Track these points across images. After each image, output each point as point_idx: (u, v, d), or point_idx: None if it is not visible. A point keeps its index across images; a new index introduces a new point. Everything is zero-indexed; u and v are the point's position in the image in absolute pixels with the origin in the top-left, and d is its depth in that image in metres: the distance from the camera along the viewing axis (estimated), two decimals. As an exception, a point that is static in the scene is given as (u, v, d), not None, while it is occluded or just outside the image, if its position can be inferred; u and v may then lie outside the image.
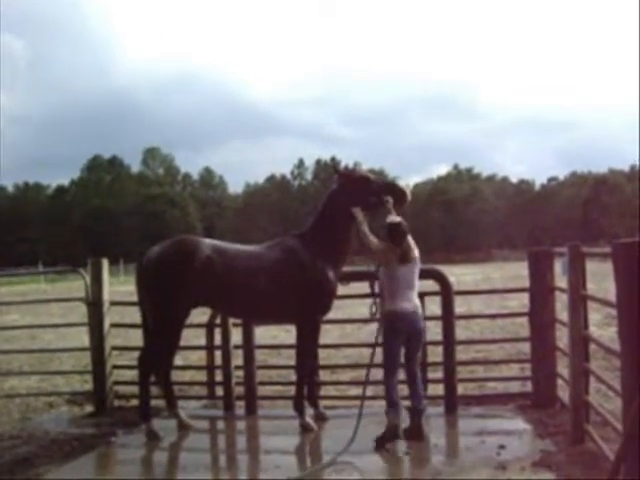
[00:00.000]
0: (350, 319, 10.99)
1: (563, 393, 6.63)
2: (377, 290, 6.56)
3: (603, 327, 11.99)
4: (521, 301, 11.16)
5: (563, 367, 6.65)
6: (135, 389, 7.10)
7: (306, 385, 6.68)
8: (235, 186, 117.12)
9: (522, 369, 8.46)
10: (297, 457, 6.02)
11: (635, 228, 54.70)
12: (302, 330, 6.64)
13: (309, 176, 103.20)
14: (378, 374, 7.38)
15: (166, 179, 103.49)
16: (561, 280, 6.45)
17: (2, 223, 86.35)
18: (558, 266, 6.87)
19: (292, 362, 7.04)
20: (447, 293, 6.96)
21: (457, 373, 7.07)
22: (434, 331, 7.52)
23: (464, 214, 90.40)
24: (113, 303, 7.93)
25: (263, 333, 11.28)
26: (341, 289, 6.92)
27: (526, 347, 7.58)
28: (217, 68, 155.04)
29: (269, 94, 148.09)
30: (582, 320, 5.63)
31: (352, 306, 11.71)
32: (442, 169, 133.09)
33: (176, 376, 7.55)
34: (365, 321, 6.92)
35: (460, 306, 8.23)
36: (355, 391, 7.60)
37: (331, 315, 6.91)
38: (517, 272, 24.56)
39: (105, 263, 7.79)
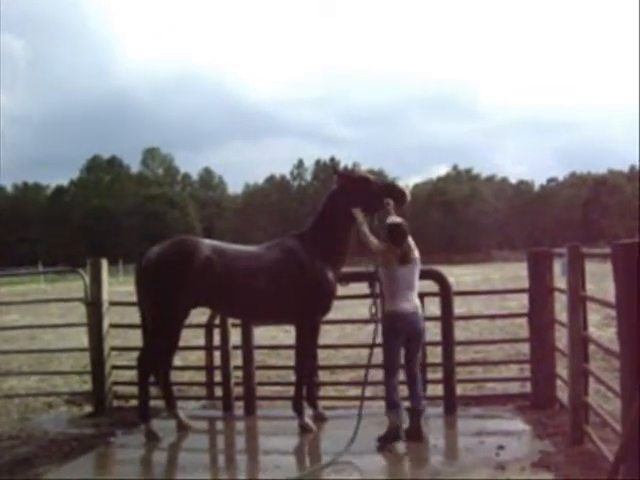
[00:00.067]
0: (349, 320, 11.00)
1: (562, 394, 6.63)
2: (377, 291, 6.57)
3: (602, 328, 11.99)
4: (520, 302, 11.16)
5: (562, 368, 6.64)
6: (134, 389, 7.10)
7: (305, 386, 6.68)
8: (235, 186, 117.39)
9: (521, 370, 8.47)
10: (296, 457, 6.02)
11: (635, 229, 54.73)
12: (301, 330, 6.64)
13: (308, 176, 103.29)
14: (378, 375, 7.40)
15: (166, 179, 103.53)
16: (560, 281, 6.45)
17: (2, 223, 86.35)
18: (557, 267, 6.86)
19: (291, 363, 7.04)
20: (446, 294, 6.96)
21: (456, 374, 7.07)
22: (433, 332, 7.52)
23: (463, 215, 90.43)
24: (112, 303, 7.93)
25: (262, 333, 11.28)
26: (340, 290, 6.92)
27: (525, 348, 7.59)
28: (217, 68, 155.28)
29: (269, 94, 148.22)
30: (581, 321, 5.63)
31: (351, 307, 11.70)
32: (441, 170, 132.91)
33: (175, 376, 7.55)
34: (365, 322, 6.92)
35: (459, 307, 8.24)
36: (354, 392, 7.60)
37: (330, 315, 6.91)
38: (516, 273, 24.54)
39: (104, 263, 7.79)
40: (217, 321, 7.62)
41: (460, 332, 8.20)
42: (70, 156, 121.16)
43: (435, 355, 7.46)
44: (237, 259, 6.45)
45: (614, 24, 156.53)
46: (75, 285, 21.74)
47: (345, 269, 6.89)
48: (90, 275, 7.70)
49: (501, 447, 5.67)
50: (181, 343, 6.64)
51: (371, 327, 6.48)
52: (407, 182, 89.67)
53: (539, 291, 6.94)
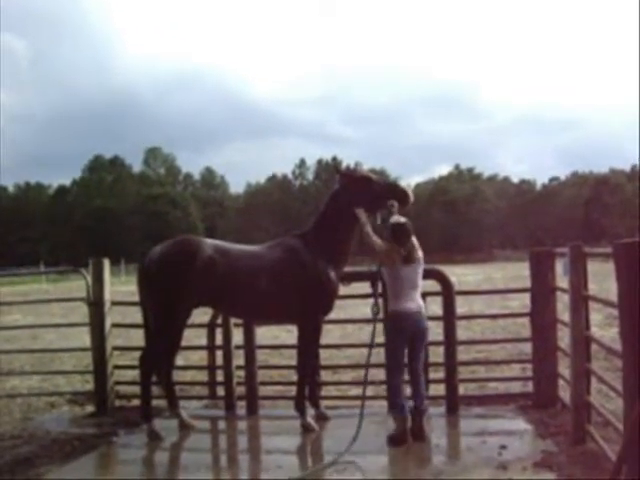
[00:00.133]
0: (352, 319, 11.00)
1: (564, 393, 6.63)
2: (379, 290, 6.56)
3: (604, 327, 11.98)
4: (522, 301, 11.16)
5: (564, 367, 6.65)
6: (136, 389, 7.10)
7: (307, 385, 6.68)
8: (236, 186, 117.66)
9: (523, 369, 8.46)
10: (298, 457, 6.01)
11: (636, 228, 54.66)
12: (303, 330, 6.64)
13: (310, 176, 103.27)
14: (379, 374, 7.39)
15: (167, 179, 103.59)
16: (562, 280, 6.44)
17: (3, 223, 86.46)
18: (559, 266, 6.85)
19: (293, 362, 7.04)
20: (448, 293, 6.96)
21: (458, 373, 7.06)
22: (435, 331, 7.50)
23: (465, 214, 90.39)
24: (114, 303, 7.93)
25: (264, 333, 11.30)
26: (342, 289, 6.92)
27: (527, 347, 7.58)
28: (218, 68, 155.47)
29: (270, 94, 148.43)
30: (583, 320, 5.62)
31: (354, 306, 11.71)
32: (443, 169, 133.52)
33: (177, 376, 7.56)
34: (367, 321, 6.92)
35: (461, 306, 8.22)
36: (356, 391, 7.59)
37: (332, 315, 6.90)
38: (518, 272, 24.55)
39: (106, 263, 7.79)
40: (219, 321, 7.62)
41: (462, 332, 8.19)
42: (72, 156, 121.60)
43: (437, 355, 7.46)
44: (239, 259, 6.44)
45: (614, 24, 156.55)
46: (77, 285, 21.77)
47: (347, 269, 6.89)
48: (92, 275, 7.70)
49: (503, 447, 5.66)
50: (183, 343, 6.64)
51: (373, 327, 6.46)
52: (409, 182, 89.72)
53: (541, 291, 6.94)
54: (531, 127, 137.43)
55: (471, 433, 6.24)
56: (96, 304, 7.65)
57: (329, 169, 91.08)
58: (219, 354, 7.69)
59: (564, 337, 6.67)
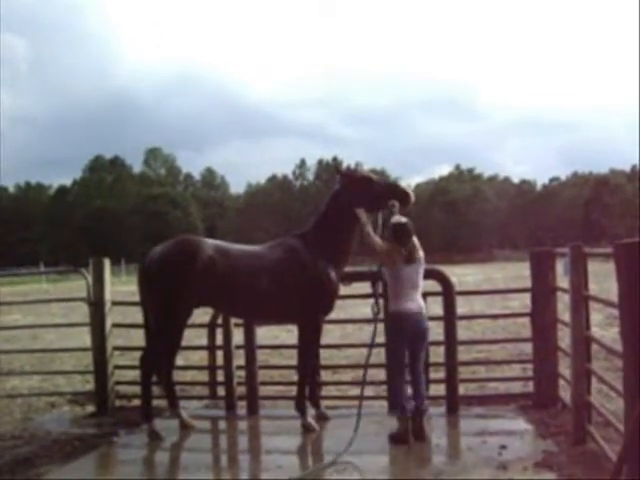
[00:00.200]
0: (352, 319, 11.00)
1: (565, 393, 6.63)
2: (379, 290, 6.56)
3: (605, 327, 11.98)
4: (523, 301, 11.17)
5: (565, 367, 6.65)
6: (137, 389, 7.11)
7: (308, 385, 6.68)
8: (237, 186, 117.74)
9: (524, 369, 8.46)
10: (299, 457, 6.01)
11: (636, 228, 54.60)
12: (304, 330, 6.64)
13: (311, 176, 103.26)
14: (380, 374, 7.40)
15: (168, 179, 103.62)
16: (563, 280, 6.44)
17: (4, 223, 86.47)
18: (560, 266, 6.85)
19: (294, 362, 7.04)
20: (449, 293, 6.95)
21: (459, 373, 7.06)
22: (436, 331, 7.50)
23: (466, 214, 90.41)
24: (115, 303, 7.93)
25: (265, 333, 11.30)
26: (343, 289, 6.92)
27: (528, 347, 7.58)
28: (218, 69, 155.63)
29: (270, 94, 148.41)
30: (584, 320, 5.62)
31: (354, 306, 11.71)
32: (444, 169, 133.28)
33: (178, 376, 7.56)
34: (367, 321, 6.92)
35: (462, 306, 8.21)
36: (356, 391, 7.57)
37: (333, 315, 6.90)
38: (519, 272, 24.55)
39: (107, 263, 7.79)
40: (220, 321, 7.62)
41: (462, 332, 8.18)
42: (72, 156, 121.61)
43: (437, 355, 7.46)
44: (240, 259, 6.44)
45: (614, 24, 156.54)
46: (77, 285, 21.76)
47: (347, 269, 6.89)
48: (92, 275, 7.70)
49: (503, 447, 5.66)
50: (184, 343, 6.64)
51: (373, 327, 6.46)
52: (409, 182, 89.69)
53: (541, 291, 6.94)
54: (531, 128, 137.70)
55: (471, 433, 6.24)
56: (96, 304, 7.65)
57: (329, 169, 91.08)
58: (219, 354, 7.69)
59: (564, 337, 6.67)
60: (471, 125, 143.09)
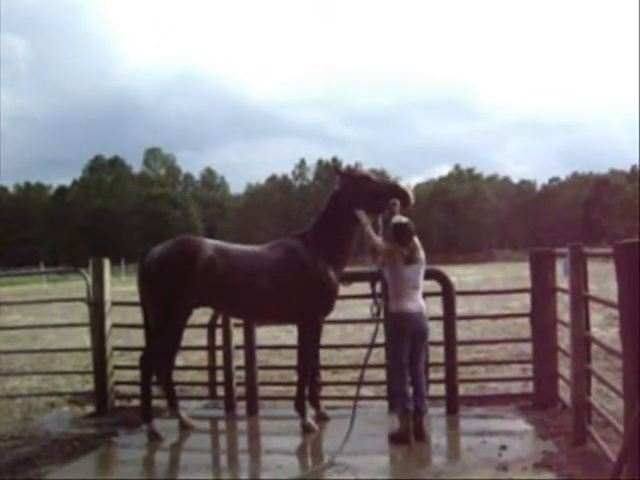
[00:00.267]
0: (351, 319, 10.99)
1: (564, 394, 6.63)
2: (379, 290, 6.56)
3: (605, 328, 11.99)
4: (522, 302, 11.17)
5: (565, 368, 6.65)
6: (136, 389, 7.10)
7: (307, 385, 6.68)
8: (236, 187, 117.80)
9: (523, 370, 8.46)
10: (298, 457, 6.01)
11: (636, 228, 54.61)
12: (304, 330, 6.64)
13: (310, 176, 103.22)
14: (380, 374, 7.40)
15: (167, 179, 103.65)
16: (562, 281, 6.44)
17: (4, 223, 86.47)
18: (559, 267, 6.86)
19: (293, 362, 7.04)
20: (448, 293, 6.95)
21: (458, 374, 7.06)
22: (435, 331, 7.50)
23: (465, 214, 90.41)
24: (114, 303, 7.92)
25: (264, 333, 11.29)
26: (342, 289, 6.92)
27: (527, 348, 7.58)
28: (218, 69, 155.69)
29: (270, 94, 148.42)
30: (584, 321, 5.62)
31: (353, 306, 11.70)
32: (443, 170, 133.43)
33: (177, 376, 7.55)
34: (367, 321, 6.93)
35: (461, 307, 8.22)
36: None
37: (332, 315, 6.90)
38: (518, 273, 24.57)
39: (106, 263, 7.78)
40: (219, 321, 7.62)
41: (462, 332, 8.18)
42: (72, 156, 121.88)
43: (437, 355, 7.45)
44: (239, 259, 6.44)
45: (614, 24, 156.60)
46: (77, 285, 21.77)
47: (347, 269, 6.89)
48: (92, 275, 7.70)
49: (503, 447, 5.66)
50: (183, 343, 6.64)
51: (373, 327, 6.47)
52: (409, 182, 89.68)
53: (541, 291, 6.94)
54: (531, 128, 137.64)
55: (471, 433, 6.24)
56: (96, 304, 7.65)
57: (329, 169, 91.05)
58: (219, 354, 7.68)
59: (564, 337, 6.67)
60: (471, 125, 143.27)
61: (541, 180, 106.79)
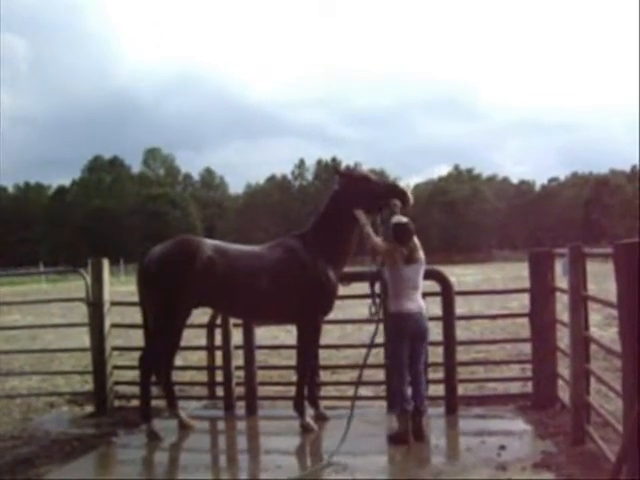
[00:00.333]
0: (351, 319, 11.00)
1: (564, 394, 6.63)
2: (378, 290, 6.56)
3: (604, 328, 11.99)
4: (522, 302, 11.16)
5: (564, 368, 6.65)
6: (136, 389, 7.10)
7: (306, 385, 6.68)
8: (236, 187, 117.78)
9: (523, 370, 8.46)
10: (298, 457, 6.01)
11: (635, 229, 54.66)
12: (303, 330, 6.64)
13: (310, 176, 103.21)
14: (379, 374, 7.40)
15: (167, 179, 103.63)
16: (562, 281, 6.45)
17: (3, 223, 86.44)
18: (559, 267, 6.86)
19: (293, 363, 7.04)
20: (448, 293, 6.95)
21: (457, 374, 7.06)
22: (435, 331, 7.50)
23: (465, 215, 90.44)
24: (114, 303, 7.92)
25: (264, 334, 11.29)
26: (342, 289, 6.92)
27: (527, 348, 7.58)
28: (217, 69, 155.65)
29: (269, 95, 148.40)
30: (583, 321, 5.62)
31: (353, 306, 11.70)
32: (443, 170, 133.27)
33: (177, 376, 7.55)
34: (366, 322, 6.93)
35: (461, 307, 8.23)
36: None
37: (332, 315, 6.90)
38: (518, 273, 24.56)
39: (106, 263, 7.78)
40: (219, 321, 7.62)
41: (461, 332, 8.19)
42: (72, 156, 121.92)
43: (436, 355, 7.45)
44: (239, 259, 6.44)
45: (614, 24, 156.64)
46: (76, 285, 21.77)
47: (347, 269, 6.89)
48: (91, 275, 7.70)
49: (502, 447, 5.66)
50: (182, 343, 6.64)
51: (372, 327, 6.47)
52: (408, 182, 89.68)
53: (540, 291, 6.94)
54: (530, 128, 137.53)
55: (470, 433, 6.24)
56: (95, 304, 7.65)
57: (329, 170, 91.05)
58: (218, 354, 7.68)
59: (563, 337, 6.67)
60: (471, 125, 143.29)
61: (541, 180, 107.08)
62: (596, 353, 6.92)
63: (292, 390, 6.82)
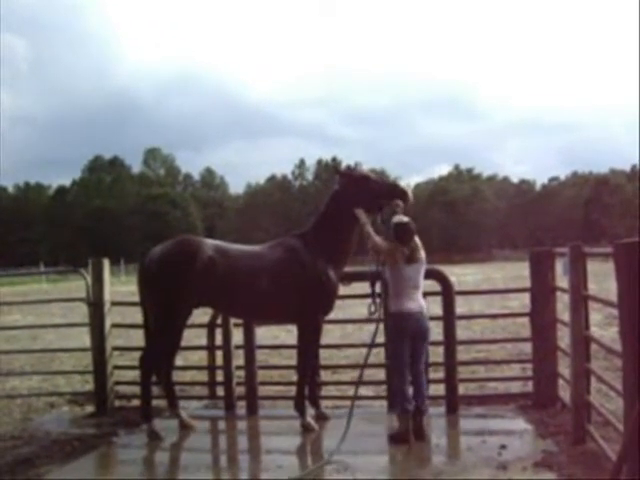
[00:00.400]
0: (351, 319, 10.99)
1: (564, 393, 6.63)
2: (378, 290, 6.56)
3: (604, 327, 11.99)
4: (522, 301, 11.17)
5: (564, 367, 6.65)
6: (136, 389, 7.10)
7: (307, 385, 6.68)
8: (236, 186, 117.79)
9: (523, 369, 8.46)
10: (298, 457, 6.01)
11: (635, 228, 54.60)
12: (303, 330, 6.64)
13: (310, 176, 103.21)
14: (379, 374, 7.40)
15: (167, 179, 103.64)
16: (562, 280, 6.44)
17: (3, 223, 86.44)
18: (559, 266, 6.86)
19: (293, 362, 7.04)
20: (448, 293, 6.95)
21: (458, 373, 7.06)
22: (435, 331, 7.50)
23: (465, 214, 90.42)
24: (114, 303, 7.92)
25: (264, 333, 11.30)
26: (342, 289, 6.92)
27: (527, 347, 7.58)
28: (218, 69, 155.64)
29: (270, 94, 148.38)
30: (583, 320, 5.62)
31: (353, 306, 11.70)
32: (443, 169, 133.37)
33: (177, 376, 7.55)
34: (366, 321, 6.93)
35: (461, 306, 8.23)
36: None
37: (332, 315, 6.90)
38: (518, 272, 24.56)
39: (106, 263, 7.78)
40: (219, 321, 7.62)
41: (462, 331, 8.19)
42: (72, 156, 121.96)
43: (437, 354, 7.45)
44: (239, 259, 6.44)
45: (614, 24, 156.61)
46: (76, 285, 21.77)
47: (347, 269, 6.89)
48: (92, 275, 7.70)
49: (503, 446, 5.66)
50: (183, 343, 6.64)
51: (372, 327, 6.47)
52: (409, 181, 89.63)
53: (541, 290, 6.94)
54: (530, 128, 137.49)
55: (471, 433, 6.24)
56: (96, 304, 7.65)
57: (329, 169, 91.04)
58: (219, 354, 7.68)
59: (564, 337, 6.67)
60: (471, 125, 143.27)
61: (541, 180, 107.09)
62: (597, 352, 6.92)
63: (293, 390, 6.82)
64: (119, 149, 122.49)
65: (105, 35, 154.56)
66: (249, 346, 7.22)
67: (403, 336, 5.98)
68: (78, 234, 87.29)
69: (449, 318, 6.96)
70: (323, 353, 7.65)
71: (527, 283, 7.14)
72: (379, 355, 7.47)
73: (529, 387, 7.31)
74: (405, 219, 6.12)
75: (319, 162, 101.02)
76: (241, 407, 7.37)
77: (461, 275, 30.87)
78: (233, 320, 7.34)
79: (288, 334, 11.88)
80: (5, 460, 5.98)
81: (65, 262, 65.78)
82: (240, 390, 7.41)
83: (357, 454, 5.67)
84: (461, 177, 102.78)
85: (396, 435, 5.96)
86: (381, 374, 7.33)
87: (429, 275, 6.68)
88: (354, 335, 12.81)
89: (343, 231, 6.60)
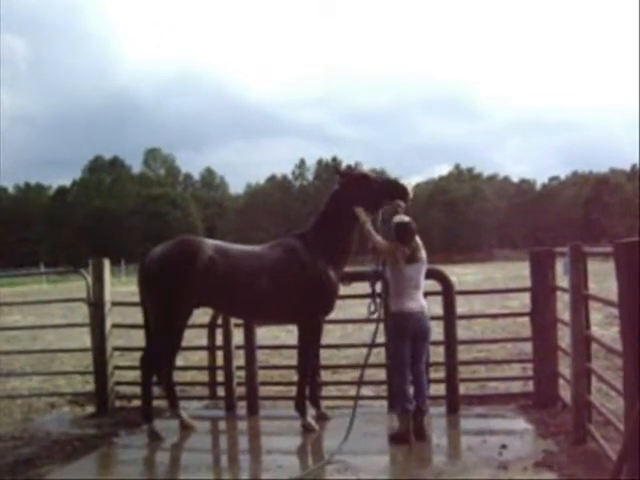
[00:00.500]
0: (352, 319, 10.99)
1: (565, 393, 6.63)
2: (378, 290, 6.56)
3: (605, 327, 11.99)
4: (522, 301, 11.16)
5: (565, 367, 6.65)
6: (137, 389, 7.11)
7: (308, 385, 6.68)
8: (236, 187, 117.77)
9: (524, 369, 8.46)
10: (299, 457, 6.01)
11: (635, 228, 54.58)
12: (304, 330, 6.64)
13: (310, 176, 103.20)
14: (380, 374, 7.40)
15: (167, 180, 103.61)
16: (562, 280, 6.44)
17: (3, 223, 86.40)
18: (559, 266, 6.86)
19: (294, 362, 7.04)
20: (449, 293, 6.95)
21: (459, 373, 7.07)
22: (436, 331, 7.49)
23: (465, 214, 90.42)
24: (115, 304, 7.93)
25: (265, 333, 11.29)
26: (342, 289, 6.92)
27: (528, 347, 7.58)
28: (218, 69, 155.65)
29: (270, 94, 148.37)
30: (584, 320, 5.62)
31: (353, 306, 11.70)
32: (443, 169, 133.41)
33: (178, 376, 7.55)
34: (367, 321, 6.93)
35: (461, 306, 8.22)
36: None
37: (332, 315, 6.90)
38: (518, 272, 24.56)
39: (106, 264, 7.78)
40: (220, 321, 7.62)
41: (462, 331, 8.18)
42: (72, 157, 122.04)
43: (437, 354, 7.45)
44: (240, 259, 6.44)
45: (614, 24, 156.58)
46: (77, 285, 21.76)
47: (347, 268, 6.89)
48: (92, 275, 7.70)
49: (504, 446, 5.66)
50: (183, 343, 6.64)
51: (373, 327, 6.47)
52: (410, 181, 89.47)
53: (541, 290, 6.94)
54: (531, 128, 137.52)
55: (472, 433, 6.24)
56: (96, 305, 7.65)
57: (329, 169, 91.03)
58: (219, 354, 7.68)
59: (564, 336, 6.67)
60: (471, 125, 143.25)
61: (541, 179, 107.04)
62: (597, 352, 6.91)
63: (293, 390, 6.82)
64: (119, 149, 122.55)
65: (105, 35, 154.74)
66: (250, 346, 7.22)
67: (404, 336, 5.98)
68: (78, 234, 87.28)
69: (450, 318, 6.96)
70: (323, 353, 7.65)
71: (527, 283, 7.14)
72: (380, 355, 7.47)
73: (530, 387, 7.30)
74: (406, 219, 6.12)
75: (319, 162, 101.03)
76: (242, 407, 7.37)
77: (461, 275, 30.86)
78: (234, 320, 7.34)
79: (289, 334, 11.88)
80: (6, 460, 5.98)
81: (65, 262, 65.80)
82: (241, 390, 7.41)
83: (358, 454, 5.67)
84: (461, 177, 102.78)
85: (397, 435, 5.96)
86: (382, 374, 7.33)
87: (430, 275, 6.67)
88: (354, 335, 12.81)
89: (343, 231, 6.59)
